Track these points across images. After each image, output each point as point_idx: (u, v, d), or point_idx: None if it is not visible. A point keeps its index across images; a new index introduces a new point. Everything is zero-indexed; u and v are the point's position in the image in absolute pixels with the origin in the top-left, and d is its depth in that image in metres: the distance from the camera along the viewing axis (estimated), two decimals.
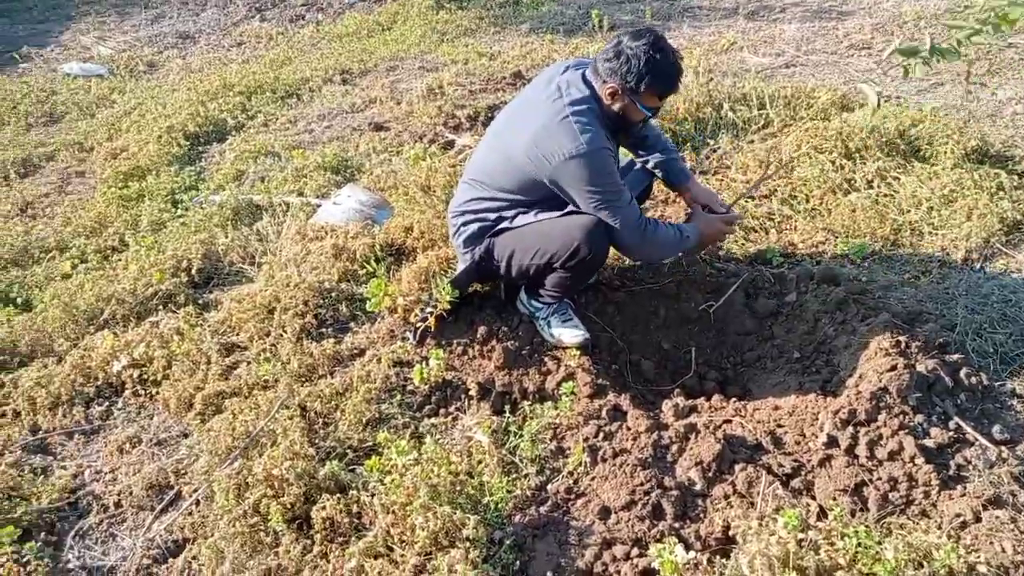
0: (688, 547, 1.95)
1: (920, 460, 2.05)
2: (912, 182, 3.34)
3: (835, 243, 3.14)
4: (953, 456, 2.10)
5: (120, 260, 3.80)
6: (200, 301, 3.42)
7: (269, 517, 2.17)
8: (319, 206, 3.97)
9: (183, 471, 2.52)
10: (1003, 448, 2.10)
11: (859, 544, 1.73)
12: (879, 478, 2.05)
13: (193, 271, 3.56)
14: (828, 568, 1.71)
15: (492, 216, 2.65)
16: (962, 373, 2.31)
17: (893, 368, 2.26)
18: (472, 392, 2.58)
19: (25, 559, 2.22)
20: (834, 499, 2.01)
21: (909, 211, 3.23)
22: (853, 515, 1.97)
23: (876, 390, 2.22)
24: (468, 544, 1.96)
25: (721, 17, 6.58)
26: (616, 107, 2.45)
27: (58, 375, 2.99)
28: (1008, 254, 2.96)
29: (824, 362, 2.64)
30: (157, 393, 2.89)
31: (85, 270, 3.77)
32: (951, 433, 2.15)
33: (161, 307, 3.36)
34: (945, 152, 3.50)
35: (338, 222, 3.79)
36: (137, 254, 3.76)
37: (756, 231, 3.36)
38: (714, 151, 4.02)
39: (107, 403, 2.95)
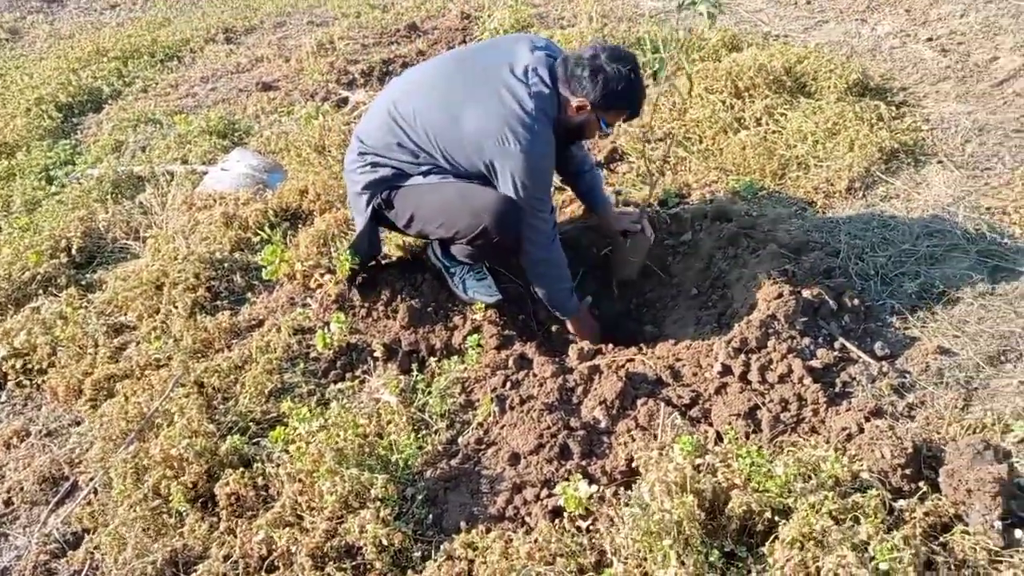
0: (594, 482, 1.99)
1: (808, 380, 2.16)
2: (798, 117, 3.45)
3: (727, 181, 3.22)
4: (839, 374, 2.22)
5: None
6: (83, 282, 3.22)
7: (171, 498, 2.10)
8: (206, 173, 3.78)
9: (77, 460, 2.39)
10: (884, 363, 2.24)
11: (752, 464, 1.81)
12: (771, 400, 2.15)
13: (73, 251, 3.34)
14: (725, 489, 1.79)
15: (406, 167, 2.49)
16: (845, 296, 2.43)
17: (779, 296, 2.36)
18: (378, 354, 2.54)
19: None
20: (730, 424, 2.09)
21: (796, 146, 3.34)
22: (747, 437, 2.06)
23: (765, 317, 2.31)
24: (378, 503, 1.94)
25: None
26: (578, 119, 2.38)
27: None
28: (887, 181, 3.11)
29: (719, 296, 2.73)
30: (44, 382, 2.72)
31: None
32: (836, 353, 2.27)
33: (41, 291, 3.15)
34: (828, 87, 3.62)
35: (228, 189, 3.62)
36: (11, 237, 3.49)
37: (653, 174, 3.40)
38: None
39: None
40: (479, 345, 2.52)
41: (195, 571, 1.95)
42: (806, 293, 2.40)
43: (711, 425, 2.14)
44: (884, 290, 2.53)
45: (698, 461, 1.88)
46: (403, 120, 2.45)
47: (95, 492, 2.26)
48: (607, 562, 1.74)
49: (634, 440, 2.08)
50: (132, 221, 3.55)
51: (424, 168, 2.48)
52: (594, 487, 1.77)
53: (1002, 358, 2.24)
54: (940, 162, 3.19)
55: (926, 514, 1.71)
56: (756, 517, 1.72)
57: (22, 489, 2.36)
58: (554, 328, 2.78)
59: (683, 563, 1.60)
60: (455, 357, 2.54)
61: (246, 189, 3.58)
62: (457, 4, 5.77)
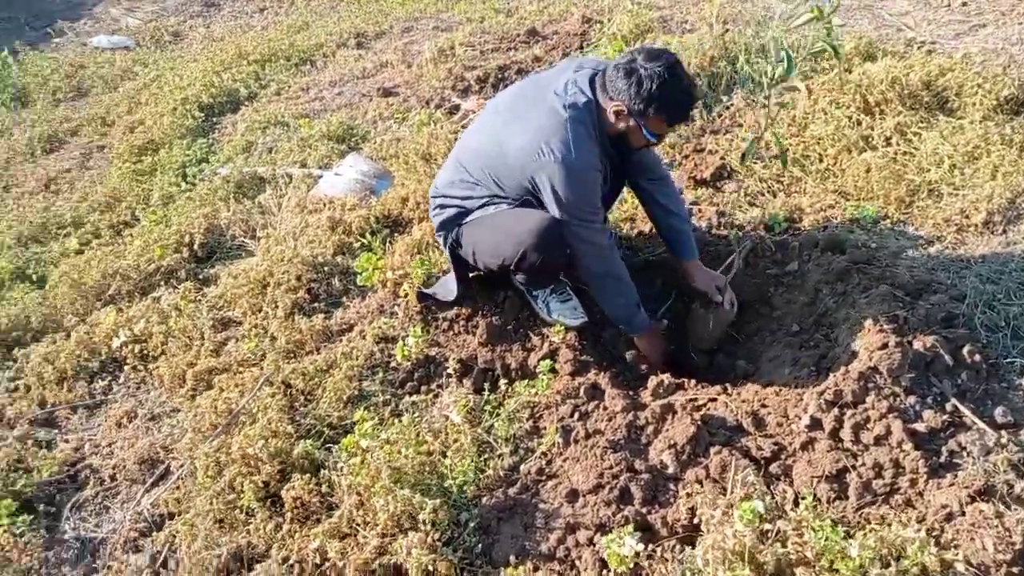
0: (652, 532, 1.89)
1: (908, 446, 1.93)
2: (934, 138, 3.11)
3: (845, 207, 2.95)
4: (946, 441, 1.97)
5: (130, 235, 3.86)
6: (201, 276, 3.46)
7: (243, 495, 2.20)
8: (321, 177, 3.95)
9: (171, 447, 2.56)
10: (1003, 433, 1.96)
11: (826, 539, 1.64)
12: (863, 464, 1.94)
13: (195, 246, 3.60)
14: (791, 562, 1.63)
15: (467, 203, 2.54)
16: (965, 350, 2.15)
17: (884, 346, 2.12)
18: (452, 369, 2.54)
19: (20, 531, 2.30)
20: (812, 486, 1.91)
21: (929, 170, 3.01)
22: (830, 503, 1.87)
23: (865, 370, 2.09)
24: (428, 527, 1.94)
25: None
26: (620, 126, 2.30)
27: (64, 351, 3.07)
28: None
29: (823, 336, 2.51)
30: (155, 369, 2.94)
31: (98, 246, 3.84)
32: (946, 416, 2.01)
33: (163, 282, 3.41)
34: (974, 104, 3.24)
35: (338, 193, 3.76)
36: (144, 230, 3.81)
37: (762, 194, 3.19)
38: (727, 108, 3.82)
39: (109, 378, 3.02)
40: (552, 370, 2.46)
41: (255, 569, 2.03)
42: (917, 344, 2.14)
43: (791, 485, 1.96)
44: (1015, 345, 2.22)
45: (767, 527, 1.73)
46: (463, 156, 2.54)
47: (182, 480, 2.42)
48: None
49: (702, 491, 1.95)
50: (251, 220, 3.77)
51: (482, 201, 2.50)
52: (641, 545, 1.67)
53: None
54: None
55: None
56: None
57: (125, 467, 2.56)
58: (628, 355, 2.66)
59: None
60: (528, 380, 2.49)
61: (354, 194, 3.70)
62: (579, 8, 5.68)
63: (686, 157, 3.53)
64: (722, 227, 3.02)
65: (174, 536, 2.24)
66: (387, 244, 3.31)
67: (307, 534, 2.05)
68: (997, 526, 1.63)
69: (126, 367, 3.01)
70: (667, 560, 1.76)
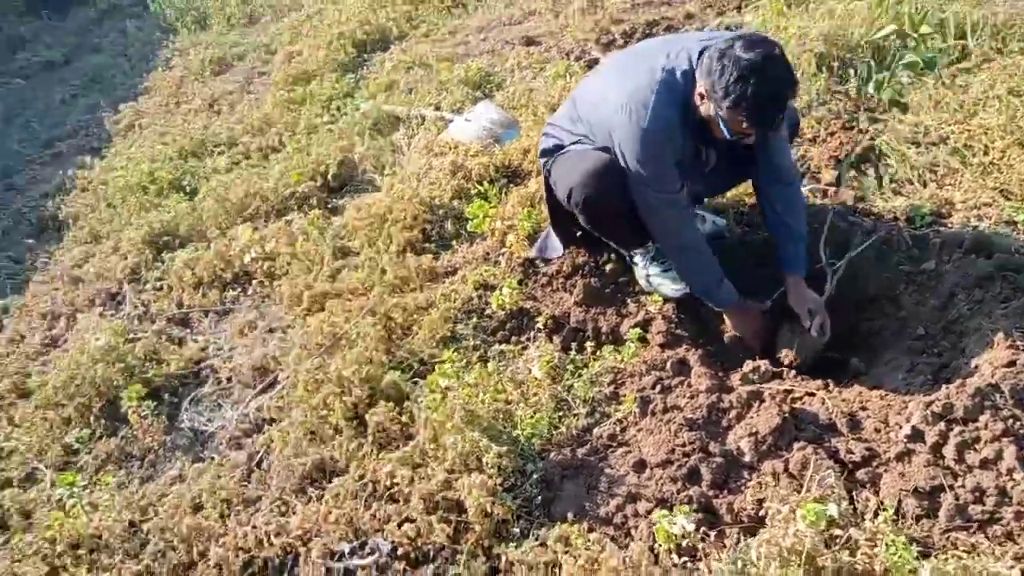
0: (716, 518, 1.84)
1: (1020, 474, 1.74)
2: None
3: (1004, 207, 2.64)
4: None
5: (275, 160, 4.13)
6: (330, 205, 3.66)
7: (333, 413, 2.35)
8: (451, 121, 4.02)
9: (281, 359, 2.77)
10: None
11: (898, 555, 1.52)
12: (962, 486, 1.77)
13: (329, 176, 3.80)
14: (854, 572, 1.53)
15: (565, 137, 2.52)
16: None
17: (1012, 364, 1.90)
18: (541, 324, 2.55)
19: (144, 414, 2.59)
20: (899, 499, 1.77)
21: None
22: (917, 521, 1.73)
23: (985, 386, 1.89)
24: (492, 471, 1.99)
25: None
26: (701, 109, 2.19)
27: (204, 259, 3.37)
28: None
29: (950, 344, 2.29)
30: (278, 286, 3.17)
31: (246, 166, 4.15)
32: None
33: (296, 207, 3.64)
34: None
35: (465, 139, 3.81)
36: (286, 156, 4.06)
37: (911, 183, 2.91)
38: (889, 85, 3.47)
39: (239, 289, 3.29)
40: (642, 339, 2.41)
41: (334, 482, 2.17)
42: None
43: (876, 494, 1.83)
44: None
45: (837, 532, 1.64)
46: (578, 94, 2.54)
47: (286, 391, 2.62)
48: None
49: (776, 485, 1.86)
50: (382, 157, 3.92)
51: (576, 139, 2.47)
52: (692, 527, 1.62)
53: None
54: None
55: None
56: None
57: (240, 372, 2.81)
58: (725, 336, 2.55)
59: None
60: (617, 345, 2.46)
61: (480, 141, 3.74)
62: None
63: (832, 134, 3.27)
64: (858, 214, 2.79)
65: (271, 440, 2.44)
66: (503, 193, 3.33)
67: (383, 458, 2.17)
68: None
69: (254, 281, 3.26)
70: (723, 547, 1.71)
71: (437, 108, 4.22)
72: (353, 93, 4.78)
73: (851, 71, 3.58)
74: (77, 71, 6.75)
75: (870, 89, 3.49)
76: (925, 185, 2.89)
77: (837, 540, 1.63)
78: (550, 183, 2.58)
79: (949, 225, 2.65)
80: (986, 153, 2.92)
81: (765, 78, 1.98)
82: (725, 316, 2.55)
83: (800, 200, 2.55)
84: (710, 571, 1.64)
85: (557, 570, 1.77)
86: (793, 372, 2.31)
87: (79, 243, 3.94)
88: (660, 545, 1.73)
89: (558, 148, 2.56)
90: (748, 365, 2.31)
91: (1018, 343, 1.98)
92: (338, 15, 5.92)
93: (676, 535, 1.62)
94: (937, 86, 3.33)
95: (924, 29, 3.55)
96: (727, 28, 4.31)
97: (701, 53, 2.17)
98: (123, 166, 4.44)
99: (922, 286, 2.48)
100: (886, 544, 1.55)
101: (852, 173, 3.03)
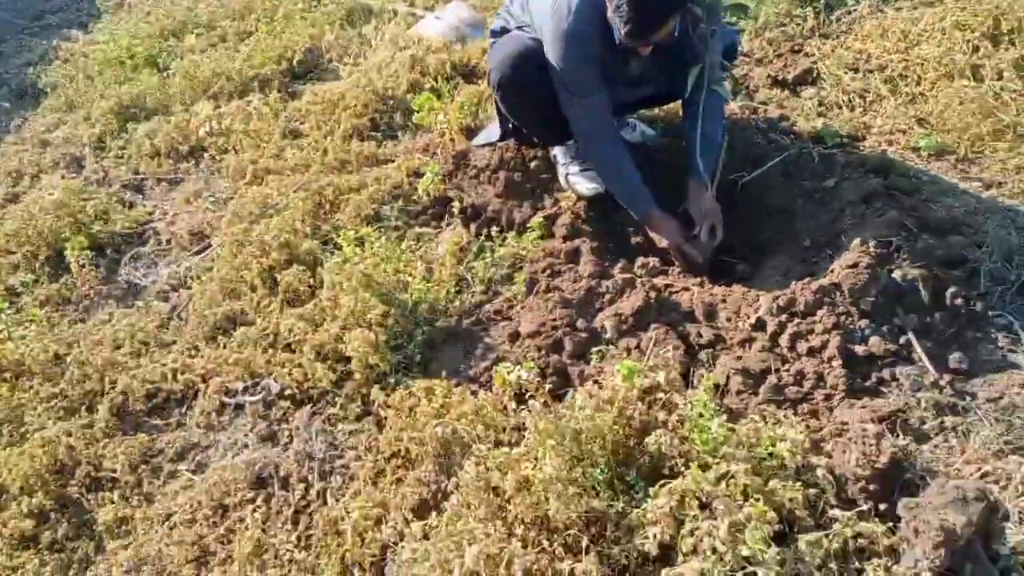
0: (568, 381, 2.03)
1: (837, 363, 1.91)
2: None
3: (916, 135, 2.71)
4: (881, 369, 1.91)
5: (247, 44, 4.21)
6: (291, 90, 3.77)
7: (249, 271, 2.54)
8: (423, 18, 4.06)
9: (216, 226, 2.95)
10: (947, 376, 1.88)
11: (700, 415, 1.70)
12: (787, 370, 1.94)
13: (295, 62, 3.90)
14: (655, 425, 1.71)
15: (511, 22, 2.56)
16: (948, 292, 2.02)
17: (854, 265, 2.04)
18: (458, 210, 2.70)
19: (83, 264, 2.79)
20: (727, 376, 1.95)
21: None
22: (738, 395, 1.91)
23: (828, 284, 2.04)
24: (376, 328, 2.18)
25: None
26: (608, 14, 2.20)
27: (163, 131, 3.52)
28: None
29: (829, 255, 2.41)
30: (227, 160, 3.32)
31: (222, 48, 4.24)
32: (894, 347, 1.94)
33: (259, 89, 3.75)
34: None
35: (433, 35, 3.88)
36: (258, 39, 4.14)
37: (839, 107, 2.98)
38: (848, 13, 3.48)
39: (193, 161, 3.45)
40: (548, 230, 2.56)
41: (238, 331, 2.38)
42: (897, 273, 2.04)
43: (709, 371, 2.00)
44: (1013, 301, 2.05)
45: (661, 395, 1.81)
46: None
47: (215, 253, 2.80)
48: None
49: (624, 357, 2.04)
50: (350, 48, 4.00)
51: (520, 24, 2.51)
52: (527, 375, 1.80)
53: None
54: None
55: (857, 535, 1.51)
56: (666, 460, 1.65)
57: (179, 236, 3.00)
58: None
59: (569, 467, 1.61)
60: (526, 235, 2.61)
61: (445, 38, 3.81)
62: None
63: (779, 56, 3.32)
64: (779, 132, 2.88)
65: (191, 296, 2.64)
66: (455, 90, 3.42)
67: (287, 313, 2.36)
68: (870, 443, 1.62)
69: (207, 155, 3.42)
70: (547, 395, 1.89)
71: (412, 4, 4.26)
72: None
73: None
74: None
75: (833, 15, 3.50)
76: (853, 109, 2.95)
77: (659, 401, 1.81)
78: None
79: (861, 148, 2.74)
80: (918, 83, 2.97)
81: None
82: (647, 227, 2.61)
83: (720, 109, 2.59)
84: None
85: (415, 412, 1.98)
86: (677, 270, 2.45)
87: (54, 111, 4.09)
88: (502, 392, 1.92)
89: (504, 31, 2.61)
90: (639, 260, 2.45)
91: (870, 248, 2.10)
92: None
93: (512, 382, 1.81)
94: (895, 17, 3.34)
95: None
96: None
97: None
98: (105, 40, 4.54)
99: (819, 202, 2.58)
100: (691, 403, 1.73)
101: (786, 93, 3.09)
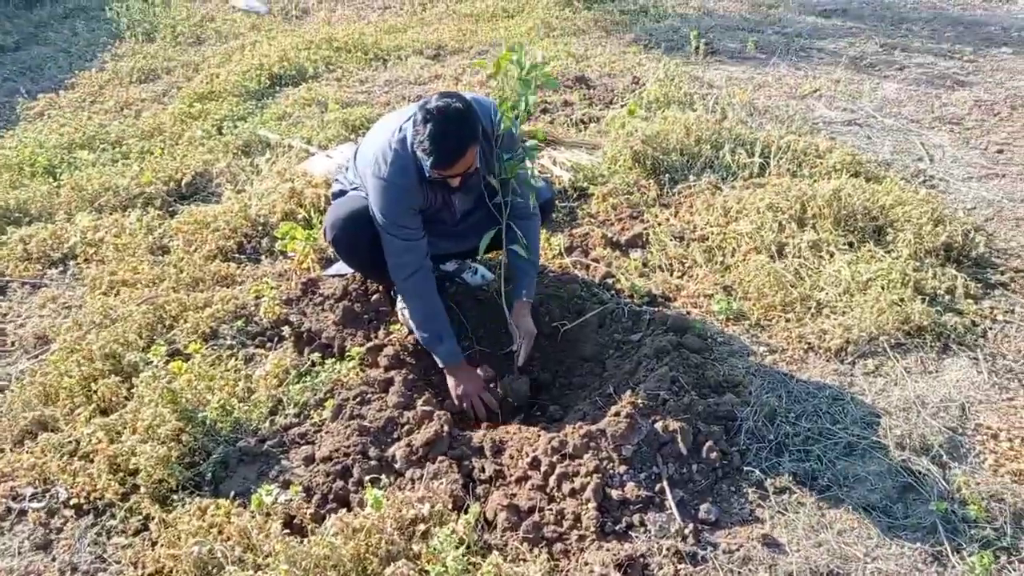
0: (349, 508, 2.10)
1: (592, 505, 2.04)
2: (844, 261, 3.11)
3: (719, 299, 3.01)
4: (633, 514, 2.05)
5: (147, 163, 4.43)
6: (172, 209, 3.94)
7: (71, 378, 2.58)
8: (314, 154, 4.37)
9: (56, 333, 2.99)
10: (693, 526, 2.02)
11: (444, 543, 1.79)
12: (551, 509, 2.06)
13: (183, 183, 4.10)
14: (400, 554, 1.79)
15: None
16: (706, 445, 2.21)
17: (617, 414, 2.22)
18: (290, 334, 2.83)
19: None
20: (494, 512, 2.05)
21: (823, 289, 3.01)
22: (502, 532, 2.01)
23: (595, 430, 2.20)
24: (169, 442, 2.23)
25: (827, 63, 6.18)
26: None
27: (38, 237, 3.61)
28: (891, 358, 2.70)
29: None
30: (89, 270, 3.41)
31: (122, 164, 4.44)
32: (648, 494, 2.09)
33: (141, 206, 3.92)
34: (907, 241, 3.20)
35: (321, 171, 4.16)
36: (155, 159, 4.36)
37: (662, 269, 3.29)
38: (690, 187, 3.91)
39: (62, 268, 3.52)
40: (372, 360, 2.70)
41: (43, 436, 2.39)
42: (659, 425, 2.23)
43: (484, 503, 2.10)
44: (767, 459, 2.25)
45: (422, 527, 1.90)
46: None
47: (47, 357, 2.83)
48: None
49: (412, 490, 2.13)
50: (240, 175, 4.24)
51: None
52: (275, 499, 1.87)
53: None
54: (974, 359, 2.69)
55: None
56: None
57: (23, 339, 3.02)
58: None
59: None
60: (346, 362, 2.74)
61: (329, 176, 4.09)
62: (646, 67, 5.87)
63: (619, 219, 3.68)
64: (601, 287, 3.15)
65: (9, 399, 2.65)
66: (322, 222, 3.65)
67: (92, 422, 2.39)
68: None
69: (73, 262, 3.51)
70: (320, 520, 1.95)
71: (308, 141, 4.58)
72: (246, 118, 5.12)
73: (664, 170, 4.02)
74: (19, 58, 7.05)
75: (676, 189, 3.93)
76: (671, 272, 3.27)
77: (420, 531, 1.89)
78: None
79: (669, 307, 3.02)
80: (732, 254, 3.32)
81: (444, 119, 2.27)
82: (447, 375, 2.69)
83: (536, 234, 2.84)
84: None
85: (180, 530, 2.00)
86: (479, 411, 2.60)
87: None
88: (267, 513, 1.98)
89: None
90: (448, 404, 2.60)
91: (638, 401, 2.30)
92: (268, 47, 6.34)
93: (266, 504, 1.87)
94: (725, 195, 3.77)
95: (727, 147, 4.03)
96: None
97: None
98: (13, 147, 4.70)
99: (624, 353, 2.81)
100: (441, 537, 1.82)
101: (617, 253, 3.41)
